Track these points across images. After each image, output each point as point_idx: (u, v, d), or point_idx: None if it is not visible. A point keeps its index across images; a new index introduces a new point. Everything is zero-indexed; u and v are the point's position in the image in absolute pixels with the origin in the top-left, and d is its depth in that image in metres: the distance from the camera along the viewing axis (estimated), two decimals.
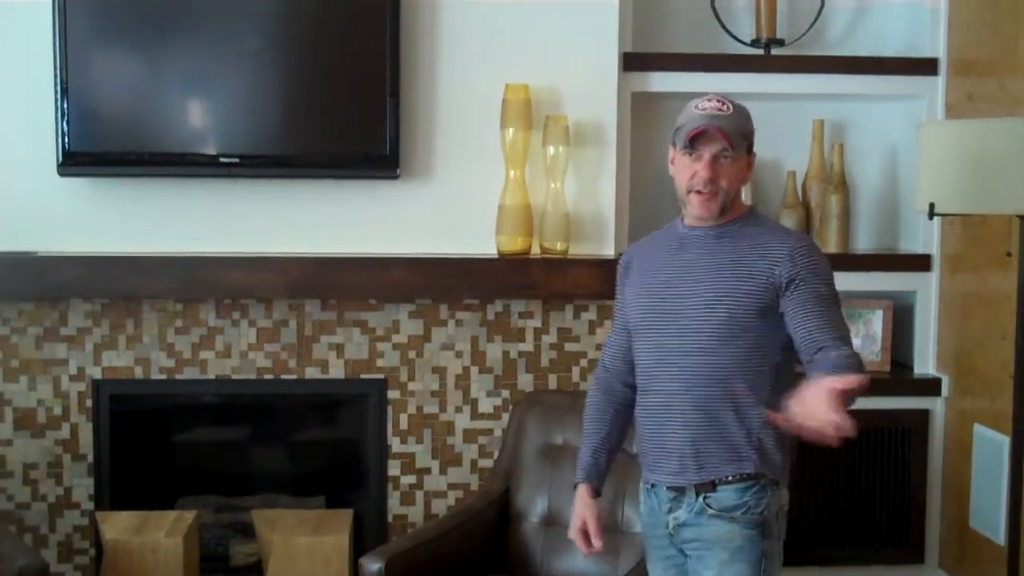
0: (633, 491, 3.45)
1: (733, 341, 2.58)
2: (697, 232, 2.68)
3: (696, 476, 2.62)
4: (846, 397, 2.27)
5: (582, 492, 2.83)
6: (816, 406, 2.25)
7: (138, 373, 4.09)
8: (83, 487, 4.09)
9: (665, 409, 2.67)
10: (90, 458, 4.08)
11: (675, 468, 2.65)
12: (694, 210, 2.63)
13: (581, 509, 2.82)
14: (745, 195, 4.30)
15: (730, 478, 2.60)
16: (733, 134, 2.60)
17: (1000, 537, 3.90)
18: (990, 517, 4.02)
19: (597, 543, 2.79)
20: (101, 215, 4.04)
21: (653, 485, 2.73)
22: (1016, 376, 3.33)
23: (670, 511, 2.68)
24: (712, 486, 2.61)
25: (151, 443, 4.32)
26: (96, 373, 4.07)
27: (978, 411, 4.14)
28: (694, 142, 2.59)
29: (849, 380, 2.28)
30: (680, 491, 2.65)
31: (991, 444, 4.02)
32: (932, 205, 3.31)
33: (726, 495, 2.60)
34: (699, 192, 2.61)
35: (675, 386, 2.63)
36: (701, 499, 2.62)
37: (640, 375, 2.75)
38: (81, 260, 3.93)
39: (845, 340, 2.52)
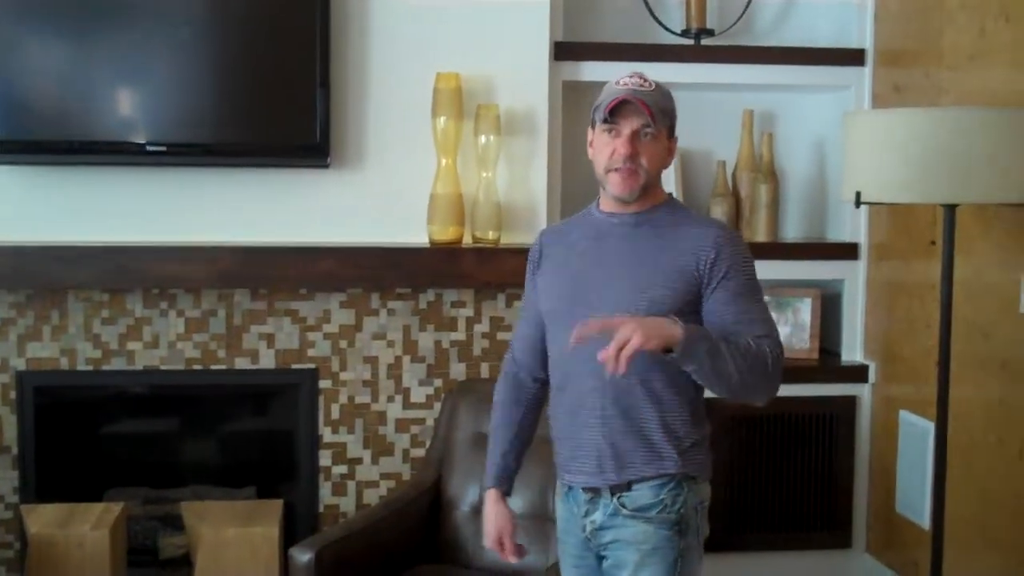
0: None
1: None
2: (614, 220, 2.55)
3: (615, 476, 2.51)
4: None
5: (493, 497, 2.72)
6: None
7: (64, 364, 4.03)
8: (7, 480, 4.02)
9: (581, 406, 2.54)
10: (14, 450, 4.02)
11: (593, 468, 2.53)
12: (613, 189, 2.50)
13: (495, 517, 2.71)
14: (675, 184, 4.34)
15: (649, 477, 2.49)
16: (655, 108, 2.46)
17: (925, 521, 3.96)
18: (915, 502, 4.08)
19: (512, 558, 2.72)
20: (26, 204, 3.98)
21: (570, 488, 2.61)
22: (940, 363, 3.38)
23: (586, 514, 2.57)
24: (628, 485, 2.50)
25: (78, 435, 4.25)
26: (20, 364, 4.01)
27: (904, 397, 4.21)
28: (614, 115, 2.46)
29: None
30: (596, 492, 2.54)
31: (916, 430, 4.08)
32: (858, 194, 3.34)
33: (641, 494, 2.49)
34: (617, 170, 2.47)
35: (592, 382, 2.49)
36: (615, 499, 2.51)
37: (554, 371, 2.63)
38: (5, 250, 3.86)
39: (764, 333, 2.44)
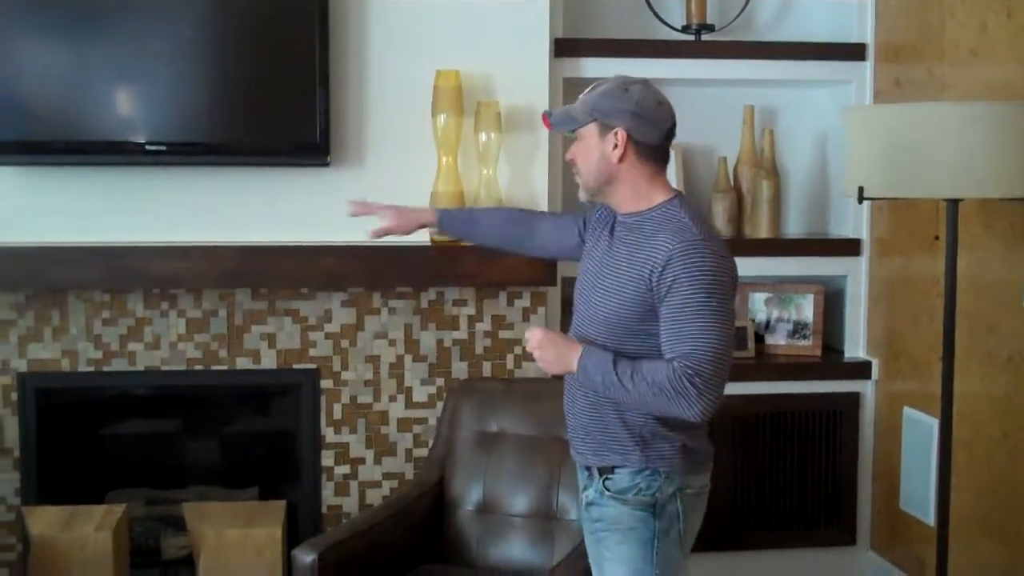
0: (568, 478, 3.46)
1: (616, 342, 2.57)
2: (619, 218, 2.68)
3: (595, 458, 2.68)
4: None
5: (426, 210, 3.28)
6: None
7: (65, 365, 4.01)
8: (9, 482, 4.01)
9: (570, 390, 2.74)
10: (16, 452, 4.00)
11: (578, 447, 2.74)
12: None
13: (405, 211, 3.23)
14: (676, 181, 4.33)
15: (623, 465, 2.63)
16: (559, 112, 2.70)
17: (930, 518, 3.95)
18: (920, 498, 4.07)
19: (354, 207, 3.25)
20: (25, 205, 3.96)
21: (577, 461, 2.78)
22: (944, 359, 3.37)
23: (584, 488, 2.74)
24: (611, 469, 2.64)
25: (79, 436, 4.25)
26: (21, 366, 3.99)
27: (907, 394, 4.19)
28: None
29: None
30: (589, 471, 2.71)
31: (920, 426, 4.07)
32: (861, 189, 3.33)
33: (621, 478, 2.63)
34: None
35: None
36: (602, 480, 2.66)
37: None
38: (4, 251, 3.85)
39: (686, 352, 2.45)
